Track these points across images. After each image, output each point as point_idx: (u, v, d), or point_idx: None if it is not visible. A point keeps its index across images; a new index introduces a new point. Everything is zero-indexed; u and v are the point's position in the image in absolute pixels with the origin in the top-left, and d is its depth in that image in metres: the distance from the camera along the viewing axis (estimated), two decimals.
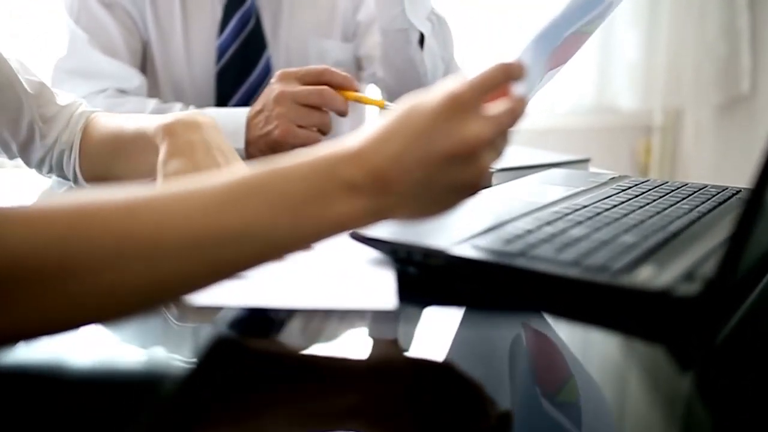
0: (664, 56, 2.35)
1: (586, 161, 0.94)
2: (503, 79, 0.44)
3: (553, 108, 2.31)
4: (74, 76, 0.98)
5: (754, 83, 2.38)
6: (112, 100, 0.95)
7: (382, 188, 0.40)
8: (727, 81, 2.38)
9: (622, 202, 0.64)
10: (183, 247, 0.37)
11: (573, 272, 0.46)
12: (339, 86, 0.82)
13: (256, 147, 0.85)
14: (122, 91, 0.98)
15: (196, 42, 1.03)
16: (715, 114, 2.45)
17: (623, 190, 0.70)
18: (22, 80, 0.72)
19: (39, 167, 0.78)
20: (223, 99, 1.02)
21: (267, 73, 1.02)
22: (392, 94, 1.01)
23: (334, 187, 0.40)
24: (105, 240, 0.36)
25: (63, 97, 0.77)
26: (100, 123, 0.75)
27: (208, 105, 1.03)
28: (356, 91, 0.83)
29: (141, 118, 0.69)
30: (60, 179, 0.79)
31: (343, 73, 0.82)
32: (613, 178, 0.77)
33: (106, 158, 0.73)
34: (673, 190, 0.70)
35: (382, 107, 0.80)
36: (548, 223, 0.55)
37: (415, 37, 0.92)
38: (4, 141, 0.75)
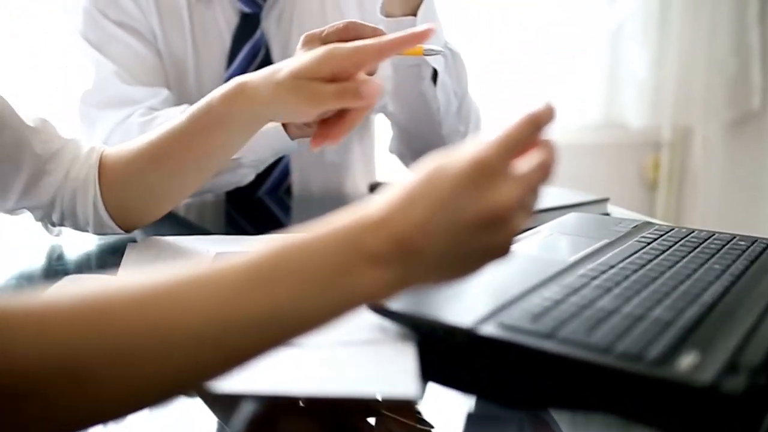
0: (674, 72, 2.32)
1: (604, 201, 0.92)
2: (532, 131, 0.42)
3: (561, 124, 2.28)
4: (104, 108, 0.94)
5: (764, 100, 2.35)
6: (144, 118, 0.91)
7: (408, 257, 0.38)
8: (737, 97, 2.35)
9: (650, 260, 0.61)
10: (204, 338, 0.35)
11: (606, 360, 0.43)
12: (366, 36, 0.72)
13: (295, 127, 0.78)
14: (153, 109, 0.94)
15: (206, 73, 1.00)
16: (725, 131, 2.42)
17: (648, 244, 0.67)
18: (20, 114, 0.68)
19: (48, 214, 0.71)
20: None
21: None
22: (404, 129, 0.99)
23: (360, 260, 0.38)
24: (121, 338, 0.34)
25: (66, 131, 0.73)
26: (120, 148, 0.71)
27: None
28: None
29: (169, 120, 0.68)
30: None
31: (371, 25, 0.73)
32: (636, 226, 0.74)
33: (146, 169, 0.69)
34: (700, 244, 0.67)
35: (421, 54, 0.71)
36: (575, 291, 0.53)
37: (428, 73, 0.90)
38: (4, 186, 0.68)
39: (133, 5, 0.96)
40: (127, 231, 0.72)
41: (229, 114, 0.65)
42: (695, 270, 0.59)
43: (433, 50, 0.70)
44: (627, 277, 0.56)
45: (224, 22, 1.00)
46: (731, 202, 2.44)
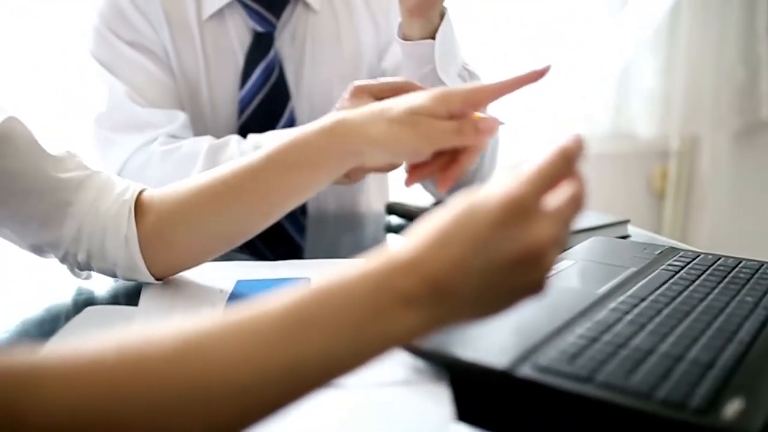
0: (682, 82, 2.31)
1: (624, 223, 0.90)
2: (564, 165, 0.41)
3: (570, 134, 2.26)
4: (119, 132, 0.92)
5: None
6: (166, 147, 0.89)
7: (442, 298, 0.38)
8: (745, 107, 2.34)
9: (680, 292, 0.60)
10: (242, 389, 0.34)
11: (649, 407, 0.42)
12: None
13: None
14: (173, 136, 0.92)
15: (219, 93, 0.99)
16: (733, 140, 2.41)
17: (676, 273, 0.66)
18: (41, 143, 0.64)
19: (73, 253, 0.64)
20: None
21: (291, 125, 0.99)
22: None
23: (393, 303, 0.37)
24: (158, 394, 0.33)
25: (93, 164, 0.69)
26: (169, 186, 0.66)
27: None
28: None
29: (241, 158, 0.64)
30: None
31: (420, 85, 0.73)
32: (661, 252, 0.73)
33: (206, 208, 0.63)
34: (728, 272, 0.66)
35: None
36: (609, 328, 0.52)
37: None
38: (25, 215, 0.63)
39: (144, 23, 0.95)
40: (158, 278, 0.66)
41: (325, 151, 0.61)
42: (727, 303, 0.58)
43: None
44: (659, 311, 0.55)
45: (237, 40, 0.98)
46: (739, 211, 2.43)
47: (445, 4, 0.83)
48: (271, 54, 0.97)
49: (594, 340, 0.50)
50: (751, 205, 2.42)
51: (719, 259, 0.71)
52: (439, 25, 0.83)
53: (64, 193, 0.63)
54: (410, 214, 0.98)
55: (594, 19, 2.19)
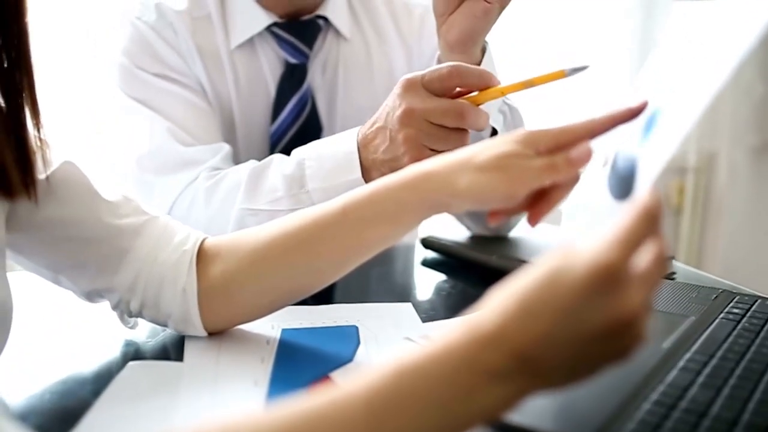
0: None
1: (670, 259, 0.88)
2: (650, 226, 0.39)
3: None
4: (163, 174, 0.87)
5: None
6: (210, 182, 0.85)
7: (529, 371, 0.36)
8: (763, 123, 2.32)
9: (749, 346, 0.58)
10: None
11: None
12: (475, 87, 0.69)
13: (378, 172, 0.73)
14: (216, 168, 0.88)
15: (251, 125, 0.96)
16: (750, 156, 2.39)
17: (738, 323, 0.63)
18: (97, 187, 0.61)
19: (126, 300, 0.62)
20: None
21: None
22: None
23: (481, 379, 0.36)
24: None
25: (150, 209, 0.65)
26: (234, 235, 0.64)
27: None
28: (496, 85, 0.68)
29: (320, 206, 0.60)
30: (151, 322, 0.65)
31: (477, 69, 0.69)
32: (716, 297, 0.71)
33: (276, 261, 0.60)
34: None
35: (564, 76, 0.64)
36: (684, 392, 0.50)
37: (487, 133, 0.86)
38: (81, 263, 0.61)
39: (175, 55, 0.93)
40: (210, 333, 0.64)
41: (406, 205, 0.57)
42: None
43: (577, 69, 0.63)
44: (732, 371, 0.53)
45: (268, 70, 0.96)
46: (756, 227, 2.41)
47: (487, 38, 0.81)
48: (305, 86, 0.95)
49: (672, 407, 0.48)
50: None
51: None
52: (482, 57, 0.81)
53: (122, 239, 0.61)
54: (445, 249, 0.95)
55: (613, 34, 2.17)
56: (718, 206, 2.46)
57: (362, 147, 0.75)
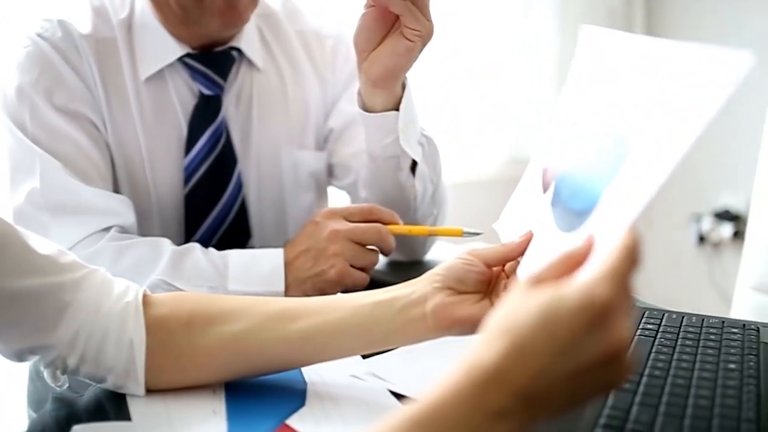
0: None
1: None
2: (634, 262, 0.42)
3: (489, 157, 2.33)
4: (59, 215, 0.82)
5: None
6: (119, 243, 0.82)
7: (531, 407, 0.39)
8: None
9: (670, 362, 0.63)
10: None
11: None
12: (386, 222, 0.83)
13: (301, 289, 0.82)
14: (123, 230, 0.85)
15: (160, 164, 0.93)
16: None
17: (654, 338, 0.69)
18: (30, 242, 0.58)
19: (63, 357, 0.59)
20: (193, 223, 0.94)
21: (239, 190, 0.95)
22: None
23: (484, 419, 0.39)
24: None
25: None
26: (181, 296, 0.64)
27: (177, 231, 0.94)
28: (399, 224, 0.85)
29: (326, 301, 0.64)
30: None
31: (388, 210, 0.84)
32: None
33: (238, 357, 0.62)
34: (699, 333, 0.70)
35: (460, 235, 0.81)
36: (627, 414, 0.54)
37: (407, 164, 0.88)
38: (17, 321, 0.57)
39: (78, 81, 0.87)
40: (150, 390, 0.61)
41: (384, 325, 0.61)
42: (716, 372, 0.62)
43: (471, 233, 0.80)
44: (662, 388, 0.58)
45: (179, 103, 0.93)
46: None
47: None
48: (220, 118, 0.93)
49: (621, 429, 0.52)
50: None
51: (683, 317, 0.75)
52: (402, 95, 0.84)
53: (63, 294, 0.58)
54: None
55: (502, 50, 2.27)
56: None
57: (287, 265, 0.82)
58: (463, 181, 2.20)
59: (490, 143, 2.32)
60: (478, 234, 0.80)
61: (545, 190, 0.63)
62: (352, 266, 0.81)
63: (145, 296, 0.62)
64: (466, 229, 0.81)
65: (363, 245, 0.82)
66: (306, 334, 0.61)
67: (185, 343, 0.61)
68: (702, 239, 2.47)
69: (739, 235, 2.32)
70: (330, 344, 0.61)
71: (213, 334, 0.61)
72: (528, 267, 0.62)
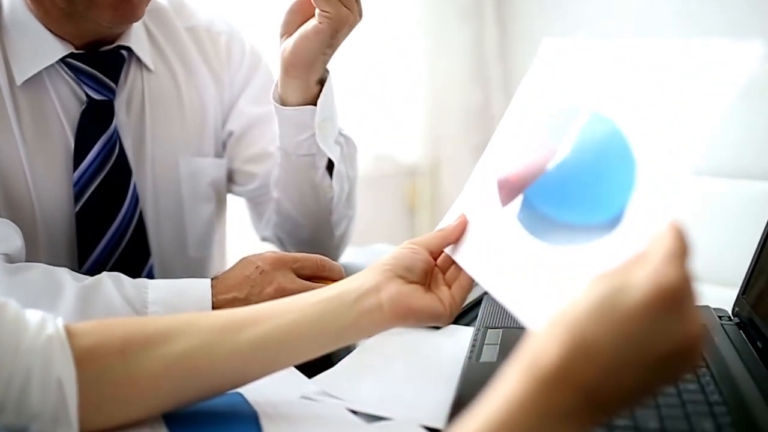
0: (427, 107, 2.51)
1: None
2: (687, 245, 0.40)
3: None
4: None
5: None
6: (7, 276, 0.70)
7: (596, 404, 0.38)
8: (483, 124, 2.62)
9: None
10: None
11: None
12: (335, 279, 0.74)
13: None
14: (10, 258, 0.74)
15: (45, 181, 0.81)
16: (475, 155, 2.67)
17: None
18: None
19: None
20: (87, 245, 0.83)
21: (136, 204, 0.86)
22: (288, 216, 0.91)
23: (553, 422, 0.37)
24: None
25: None
26: (116, 323, 0.55)
27: (69, 252, 0.83)
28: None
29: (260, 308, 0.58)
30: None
31: (337, 265, 0.76)
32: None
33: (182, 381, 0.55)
34: None
35: None
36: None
37: (323, 163, 0.85)
38: None
39: None
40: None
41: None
42: None
43: None
44: None
45: (62, 110, 0.82)
46: None
47: (329, 66, 0.80)
48: (111, 129, 0.83)
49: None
50: None
51: None
52: (318, 91, 0.80)
53: None
54: None
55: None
56: (446, 204, 2.71)
57: (216, 307, 0.72)
58: None
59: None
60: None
61: (505, 203, 0.62)
62: None
63: (66, 327, 0.54)
64: None
65: None
66: (258, 343, 0.56)
67: (122, 373, 0.53)
68: None
69: None
70: (284, 350, 0.57)
71: (154, 358, 0.54)
72: (470, 255, 0.63)
